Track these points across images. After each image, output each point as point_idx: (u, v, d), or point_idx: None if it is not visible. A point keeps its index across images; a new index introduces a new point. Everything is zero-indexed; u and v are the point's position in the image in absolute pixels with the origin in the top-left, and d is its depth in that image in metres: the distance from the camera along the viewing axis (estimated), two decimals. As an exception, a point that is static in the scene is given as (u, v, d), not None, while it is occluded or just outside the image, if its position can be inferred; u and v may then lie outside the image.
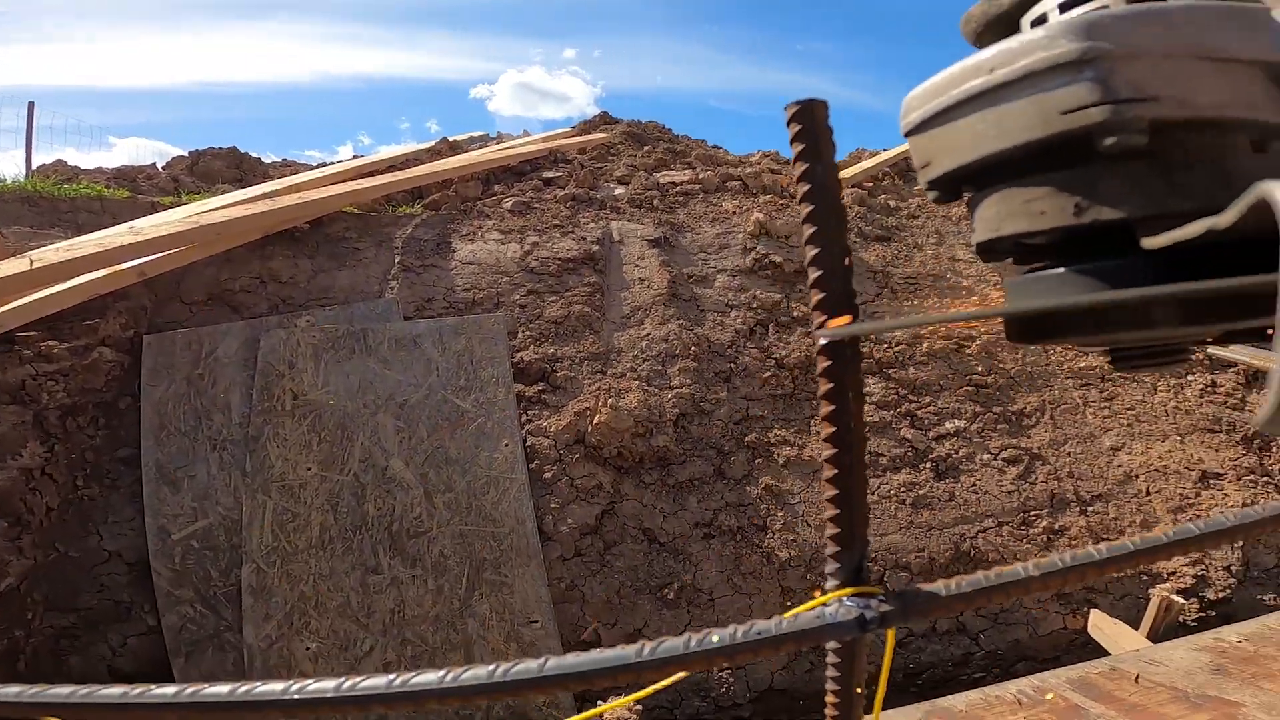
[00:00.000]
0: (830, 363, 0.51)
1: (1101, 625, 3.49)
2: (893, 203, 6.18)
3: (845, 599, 0.49)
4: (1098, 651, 3.30)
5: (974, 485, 4.01)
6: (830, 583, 0.52)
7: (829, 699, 0.55)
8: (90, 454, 3.34)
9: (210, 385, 3.62)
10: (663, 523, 3.64)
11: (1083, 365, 4.65)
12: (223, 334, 3.83)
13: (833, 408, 0.51)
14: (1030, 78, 0.27)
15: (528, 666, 0.43)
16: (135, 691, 0.41)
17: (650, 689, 0.72)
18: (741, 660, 0.42)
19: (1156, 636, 3.60)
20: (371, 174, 6.40)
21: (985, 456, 4.13)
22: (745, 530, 3.68)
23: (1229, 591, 3.86)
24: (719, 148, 8.81)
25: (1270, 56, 0.22)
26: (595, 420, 3.72)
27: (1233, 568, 3.92)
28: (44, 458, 3.09)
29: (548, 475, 3.59)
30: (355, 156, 7.26)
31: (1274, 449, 4.33)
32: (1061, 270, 0.33)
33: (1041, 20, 0.38)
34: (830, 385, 0.51)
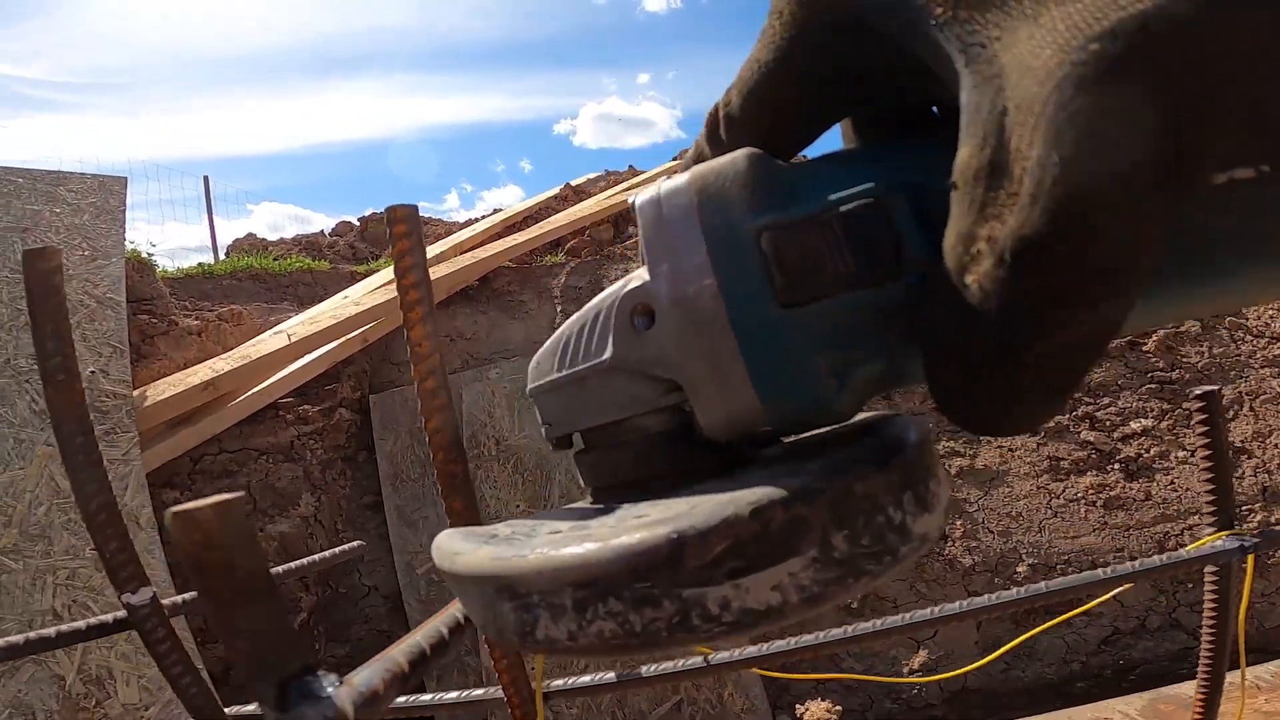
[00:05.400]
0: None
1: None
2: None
3: (1222, 539, 0.67)
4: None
5: (1172, 483, 3.84)
6: (1207, 531, 0.70)
7: (1206, 618, 0.73)
8: (343, 502, 3.92)
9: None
10: (846, 538, 3.76)
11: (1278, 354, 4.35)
12: (430, 390, 4.38)
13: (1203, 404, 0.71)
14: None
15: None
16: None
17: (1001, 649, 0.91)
18: (1125, 584, 0.59)
19: None
20: (512, 225, 7.06)
21: (1181, 454, 3.95)
22: (930, 542, 3.73)
23: None
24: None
25: (612, 357, 0.27)
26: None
27: None
28: (314, 506, 3.68)
29: (731, 498, 3.82)
30: (485, 214, 7.95)
31: None
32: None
33: None
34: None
